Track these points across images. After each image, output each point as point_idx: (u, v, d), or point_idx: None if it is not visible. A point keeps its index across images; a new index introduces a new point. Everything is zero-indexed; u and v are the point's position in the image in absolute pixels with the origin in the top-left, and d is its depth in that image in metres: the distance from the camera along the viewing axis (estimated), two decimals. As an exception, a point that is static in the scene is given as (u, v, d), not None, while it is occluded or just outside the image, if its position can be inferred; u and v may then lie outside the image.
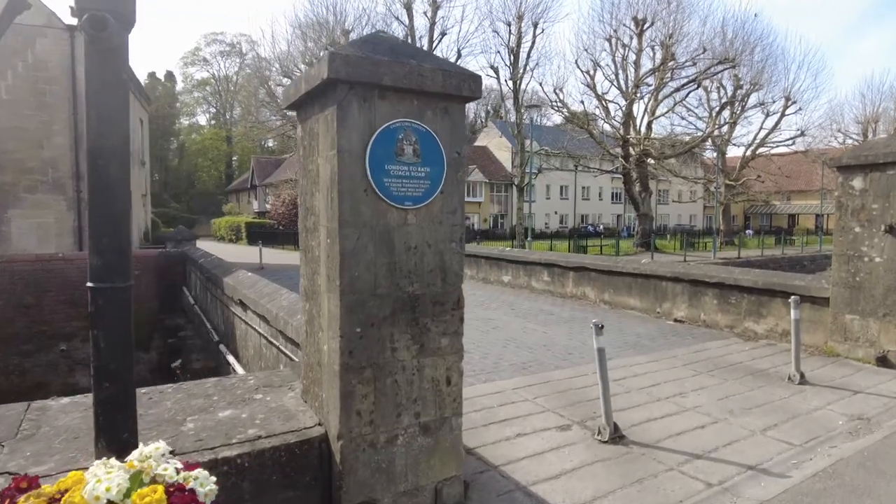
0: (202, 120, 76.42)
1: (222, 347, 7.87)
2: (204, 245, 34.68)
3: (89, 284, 2.58)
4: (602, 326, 4.19)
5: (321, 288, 2.95)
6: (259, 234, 35.55)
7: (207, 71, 70.78)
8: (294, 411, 3.19)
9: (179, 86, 74.22)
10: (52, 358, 12.28)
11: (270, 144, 66.83)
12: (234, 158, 74.69)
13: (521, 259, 12.87)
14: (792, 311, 5.53)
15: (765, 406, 4.84)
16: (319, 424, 3.01)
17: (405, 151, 2.78)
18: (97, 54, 2.42)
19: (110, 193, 2.56)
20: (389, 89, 2.71)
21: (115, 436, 2.60)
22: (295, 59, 28.98)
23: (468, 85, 2.88)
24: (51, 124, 15.34)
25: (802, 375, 5.52)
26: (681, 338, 7.59)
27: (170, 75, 73.41)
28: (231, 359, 7.12)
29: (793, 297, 5.62)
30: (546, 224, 57.67)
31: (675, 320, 8.71)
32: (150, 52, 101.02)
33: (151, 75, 70.37)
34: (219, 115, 73.84)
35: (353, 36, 27.24)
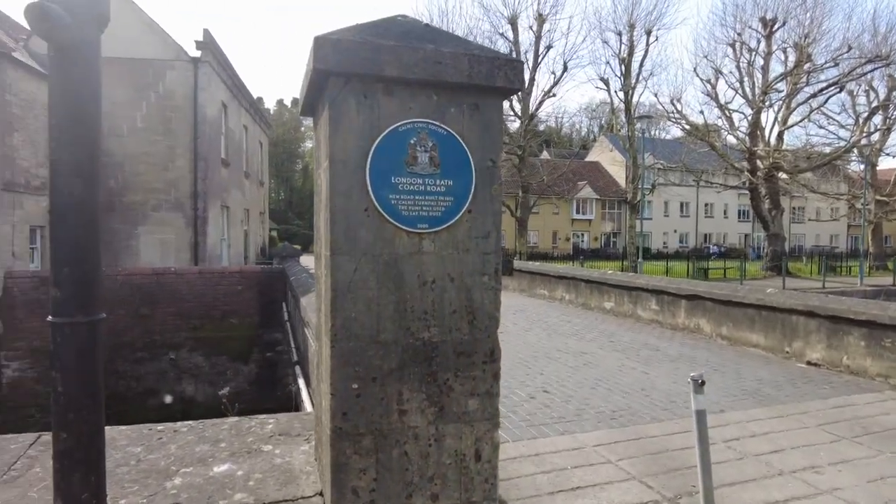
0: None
1: (297, 369, 7.68)
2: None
3: (49, 319, 2.26)
4: (703, 382, 3.25)
5: (322, 329, 2.42)
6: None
7: (329, 97, 75.08)
8: (298, 472, 2.68)
9: (304, 111, 79.65)
10: (163, 366, 13.04)
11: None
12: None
13: (625, 284, 11.69)
14: (977, 368, 4.17)
15: (938, 498, 3.60)
16: (320, 494, 2.47)
17: (419, 160, 2.18)
18: (55, 51, 2.10)
19: (73, 216, 2.20)
20: (398, 82, 2.14)
21: (72, 496, 2.22)
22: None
23: (504, 73, 2.23)
24: (174, 148, 16.65)
25: None
26: (815, 386, 6.21)
27: (296, 102, 79.09)
28: (301, 383, 6.88)
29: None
30: (664, 243, 54.14)
31: (808, 363, 7.24)
32: (281, 81, 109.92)
33: (279, 102, 76.30)
34: (338, 138, 77.90)
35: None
